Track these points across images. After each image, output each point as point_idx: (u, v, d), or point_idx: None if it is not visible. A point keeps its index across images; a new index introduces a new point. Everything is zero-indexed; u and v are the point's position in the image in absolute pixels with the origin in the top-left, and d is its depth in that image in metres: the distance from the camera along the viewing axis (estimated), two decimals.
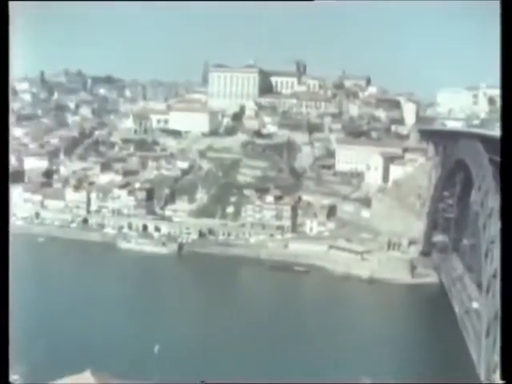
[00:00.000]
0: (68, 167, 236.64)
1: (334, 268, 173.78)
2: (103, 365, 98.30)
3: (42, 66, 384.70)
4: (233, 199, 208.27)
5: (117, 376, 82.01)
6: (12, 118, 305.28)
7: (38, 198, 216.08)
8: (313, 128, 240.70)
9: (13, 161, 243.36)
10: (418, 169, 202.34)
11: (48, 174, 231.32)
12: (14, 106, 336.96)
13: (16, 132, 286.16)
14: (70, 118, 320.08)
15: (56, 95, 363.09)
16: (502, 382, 37.68)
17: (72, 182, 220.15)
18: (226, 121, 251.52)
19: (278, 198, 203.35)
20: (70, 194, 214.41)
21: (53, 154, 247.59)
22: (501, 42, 39.71)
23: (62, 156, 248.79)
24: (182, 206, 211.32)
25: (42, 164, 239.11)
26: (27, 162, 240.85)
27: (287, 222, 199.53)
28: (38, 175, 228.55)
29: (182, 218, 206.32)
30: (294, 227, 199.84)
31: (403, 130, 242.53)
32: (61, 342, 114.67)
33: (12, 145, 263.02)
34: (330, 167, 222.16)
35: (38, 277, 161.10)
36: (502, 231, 41.04)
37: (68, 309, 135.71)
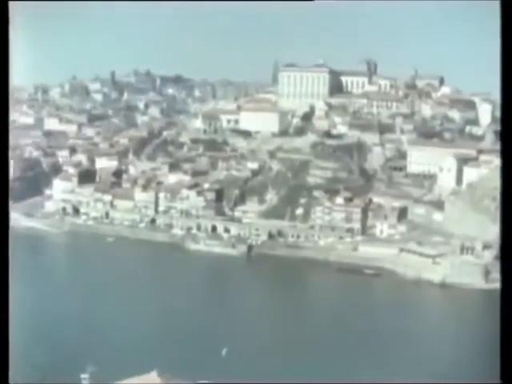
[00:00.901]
0: (137, 167, 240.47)
1: (405, 272, 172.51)
2: (171, 364, 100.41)
3: (113, 66, 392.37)
4: (302, 201, 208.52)
5: (180, 376, 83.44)
6: (84, 118, 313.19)
7: (108, 197, 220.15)
8: (384, 129, 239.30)
9: (84, 160, 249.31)
10: (494, 171, 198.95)
11: (118, 173, 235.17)
12: (86, 105, 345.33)
13: (88, 132, 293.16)
14: (140, 118, 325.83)
15: (126, 95, 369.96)
16: (501, 382, 37.61)
17: (141, 182, 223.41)
18: (296, 121, 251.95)
19: (347, 200, 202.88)
20: (139, 194, 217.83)
21: (122, 154, 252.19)
22: (501, 41, 39.59)
23: (131, 156, 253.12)
24: (251, 207, 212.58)
25: (112, 164, 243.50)
26: (98, 161, 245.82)
27: (357, 225, 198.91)
28: (109, 175, 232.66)
29: (252, 219, 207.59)
30: (364, 230, 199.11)
31: (478, 131, 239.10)
32: (134, 341, 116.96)
33: (83, 144, 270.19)
34: (402, 169, 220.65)
35: (106, 276, 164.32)
36: (502, 232, 40.77)
37: (135, 310, 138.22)
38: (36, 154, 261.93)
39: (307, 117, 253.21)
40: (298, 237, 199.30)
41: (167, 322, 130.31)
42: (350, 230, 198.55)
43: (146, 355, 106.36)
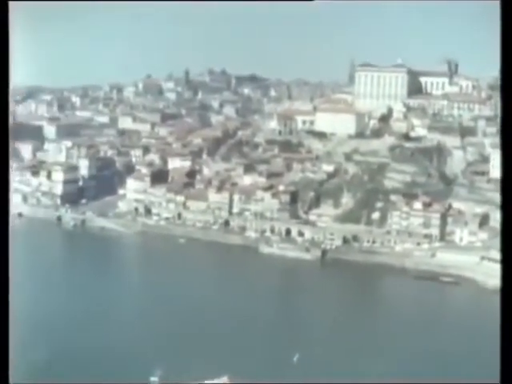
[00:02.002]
0: (211, 168, 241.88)
1: (486, 281, 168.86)
2: (242, 368, 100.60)
3: (187, 65, 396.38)
4: (379, 205, 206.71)
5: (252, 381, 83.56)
6: (157, 117, 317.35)
7: (180, 198, 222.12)
8: (465, 131, 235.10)
9: (157, 160, 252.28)
10: None
11: (191, 174, 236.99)
12: (159, 104, 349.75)
13: (161, 131, 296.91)
14: (214, 118, 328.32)
15: (200, 95, 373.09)
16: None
17: (215, 183, 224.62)
18: (373, 123, 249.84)
19: (426, 205, 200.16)
20: (213, 196, 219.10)
21: (196, 154, 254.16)
22: (501, 41, 38.66)
23: (205, 156, 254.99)
24: (326, 210, 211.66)
25: (186, 164, 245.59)
26: (171, 161, 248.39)
27: (435, 231, 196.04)
28: (182, 175, 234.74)
29: (327, 223, 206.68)
30: (443, 236, 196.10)
31: None
32: (205, 344, 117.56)
33: (157, 144, 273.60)
34: (484, 173, 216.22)
35: (178, 278, 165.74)
36: (503, 232, 39.78)
37: (206, 312, 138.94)
38: (110, 152, 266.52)
39: (385, 118, 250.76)
40: (374, 242, 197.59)
41: (238, 326, 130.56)
42: (428, 236, 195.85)
43: (218, 359, 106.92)
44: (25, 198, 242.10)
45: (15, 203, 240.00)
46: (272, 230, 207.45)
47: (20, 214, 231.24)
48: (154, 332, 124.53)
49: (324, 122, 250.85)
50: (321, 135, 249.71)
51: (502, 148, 41.00)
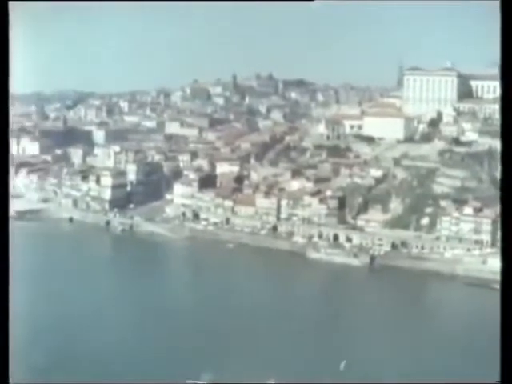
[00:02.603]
0: (259, 173, 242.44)
1: None
2: (288, 372, 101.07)
3: (234, 69, 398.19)
4: (428, 210, 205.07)
5: None
6: (205, 122, 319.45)
7: (228, 203, 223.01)
8: None
9: (205, 165, 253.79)
10: None
11: (239, 179, 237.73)
12: (207, 109, 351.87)
13: (209, 136, 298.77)
14: (262, 123, 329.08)
15: (248, 99, 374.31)
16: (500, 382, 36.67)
17: (262, 188, 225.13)
18: (422, 127, 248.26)
19: (477, 210, 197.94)
20: (261, 201, 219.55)
21: (244, 159, 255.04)
22: (501, 41, 38.56)
23: (252, 161, 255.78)
24: (374, 215, 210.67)
25: (234, 169, 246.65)
26: (219, 166, 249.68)
27: (487, 237, 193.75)
28: (230, 180, 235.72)
29: (375, 228, 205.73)
30: (494, 242, 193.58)
31: None
32: (255, 347, 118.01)
33: (205, 149, 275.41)
34: None
35: (226, 283, 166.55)
36: (503, 232, 39.43)
37: (253, 318, 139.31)
38: (158, 157, 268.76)
39: (434, 123, 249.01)
40: (423, 248, 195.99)
41: (286, 331, 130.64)
42: (479, 242, 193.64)
43: (266, 362, 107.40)
44: (75, 203, 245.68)
45: (66, 208, 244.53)
46: (320, 236, 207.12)
47: (71, 219, 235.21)
48: (204, 335, 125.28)
49: (372, 126, 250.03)
50: (369, 140, 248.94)
51: (503, 147, 41.23)
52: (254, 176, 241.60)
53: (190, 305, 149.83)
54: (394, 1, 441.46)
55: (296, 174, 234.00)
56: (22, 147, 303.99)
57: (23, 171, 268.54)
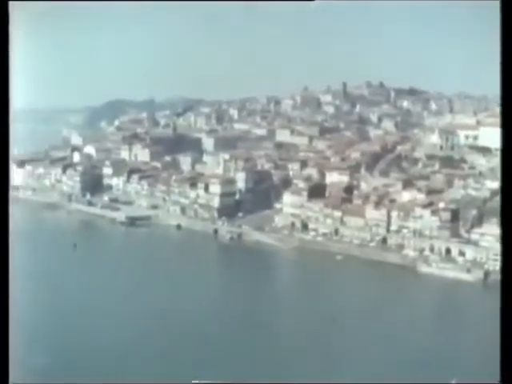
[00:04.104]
0: (369, 183, 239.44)
1: None
2: None
3: (344, 77, 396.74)
4: None
5: None
6: (315, 131, 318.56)
7: (338, 214, 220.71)
8: None
9: (315, 174, 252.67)
10: None
11: (349, 189, 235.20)
12: (317, 117, 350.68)
13: (319, 144, 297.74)
14: (372, 132, 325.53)
15: (358, 108, 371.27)
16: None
17: (373, 198, 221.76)
18: None
19: None
20: (371, 212, 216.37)
21: (354, 169, 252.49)
22: (501, 41, 36.54)
23: (363, 171, 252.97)
24: (490, 229, 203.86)
25: (343, 179, 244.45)
26: (329, 176, 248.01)
27: None
28: (339, 190, 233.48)
29: (490, 242, 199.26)
30: None
31: None
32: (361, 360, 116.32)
33: (315, 157, 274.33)
34: None
35: (334, 295, 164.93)
36: (502, 232, 37.23)
37: (362, 332, 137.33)
38: (267, 166, 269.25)
39: None
40: None
41: (388, 349, 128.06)
42: None
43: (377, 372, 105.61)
44: (183, 210, 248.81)
45: (174, 215, 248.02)
46: (431, 249, 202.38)
47: (179, 226, 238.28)
48: (311, 345, 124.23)
49: (488, 136, 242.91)
50: (485, 150, 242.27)
51: (503, 147, 39.52)
52: (364, 186, 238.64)
53: (298, 315, 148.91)
54: None
55: (407, 184, 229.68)
56: (133, 153, 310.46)
57: (134, 177, 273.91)
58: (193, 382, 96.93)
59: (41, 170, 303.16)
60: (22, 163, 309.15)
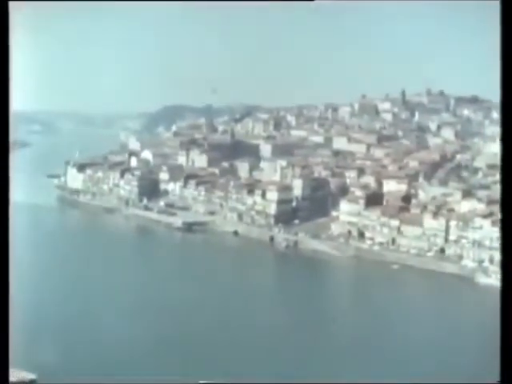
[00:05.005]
0: (427, 192, 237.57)
1: None
2: None
3: (403, 84, 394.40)
4: None
5: None
6: (373, 138, 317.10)
7: (395, 223, 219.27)
8: None
9: (372, 182, 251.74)
10: None
11: (406, 198, 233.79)
12: (375, 125, 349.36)
13: (376, 153, 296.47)
14: (431, 140, 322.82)
15: (417, 116, 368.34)
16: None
17: (431, 208, 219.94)
18: None
19: None
20: (428, 221, 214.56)
21: (412, 178, 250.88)
22: (501, 41, 36.11)
23: (421, 180, 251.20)
24: None
25: (401, 187, 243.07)
26: (386, 184, 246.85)
27: None
28: (397, 199, 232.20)
29: None
30: None
31: None
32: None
33: (372, 165, 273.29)
34: None
35: (390, 306, 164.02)
36: (502, 232, 36.76)
37: (419, 346, 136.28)
38: (324, 173, 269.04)
39: None
40: None
41: (444, 359, 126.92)
42: None
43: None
44: (240, 217, 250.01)
45: (231, 221, 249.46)
46: (491, 260, 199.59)
47: (236, 232, 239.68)
48: (374, 358, 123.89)
49: None
50: None
51: (503, 147, 39.35)
52: (422, 195, 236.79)
53: (354, 325, 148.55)
54: None
55: (467, 194, 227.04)
56: (191, 159, 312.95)
57: (191, 183, 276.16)
58: (200, 382, 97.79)
59: (99, 175, 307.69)
60: (82, 167, 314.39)
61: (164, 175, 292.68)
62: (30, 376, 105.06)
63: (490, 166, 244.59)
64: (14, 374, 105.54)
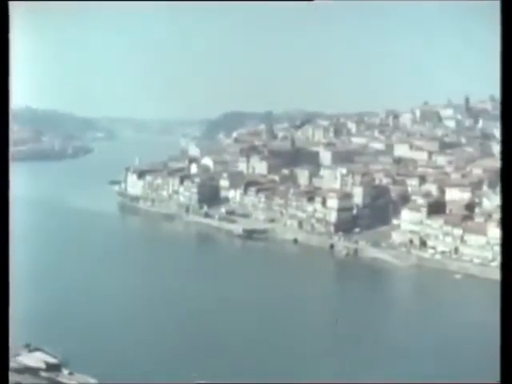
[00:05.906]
0: (492, 200, 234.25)
1: None
2: None
3: (467, 91, 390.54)
4: None
5: None
6: (435, 146, 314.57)
7: (458, 231, 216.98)
8: None
9: (434, 190, 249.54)
10: None
11: (470, 206, 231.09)
12: (437, 132, 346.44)
13: (439, 160, 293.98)
14: (495, 148, 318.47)
15: (481, 123, 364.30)
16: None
17: (495, 216, 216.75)
18: None
19: None
20: (493, 230, 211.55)
21: (476, 186, 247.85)
22: (501, 41, 35.76)
23: (485, 188, 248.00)
24: None
25: (465, 196, 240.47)
26: (449, 192, 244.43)
27: None
28: (460, 207, 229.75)
29: None
30: None
31: None
32: None
33: (434, 173, 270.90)
34: None
35: (452, 315, 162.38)
36: (502, 232, 35.67)
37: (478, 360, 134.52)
38: (385, 181, 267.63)
39: None
40: None
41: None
42: None
43: None
44: (300, 224, 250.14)
45: (291, 229, 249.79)
46: None
47: (295, 241, 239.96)
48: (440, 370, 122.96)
49: None
50: None
51: (503, 147, 38.81)
52: (487, 204, 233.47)
53: (415, 334, 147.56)
54: None
55: None
56: (251, 166, 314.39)
57: (252, 190, 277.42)
58: (198, 382, 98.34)
59: (159, 181, 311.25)
60: (142, 174, 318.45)
61: (224, 182, 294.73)
62: (92, 381, 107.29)
63: None
64: (76, 378, 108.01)
